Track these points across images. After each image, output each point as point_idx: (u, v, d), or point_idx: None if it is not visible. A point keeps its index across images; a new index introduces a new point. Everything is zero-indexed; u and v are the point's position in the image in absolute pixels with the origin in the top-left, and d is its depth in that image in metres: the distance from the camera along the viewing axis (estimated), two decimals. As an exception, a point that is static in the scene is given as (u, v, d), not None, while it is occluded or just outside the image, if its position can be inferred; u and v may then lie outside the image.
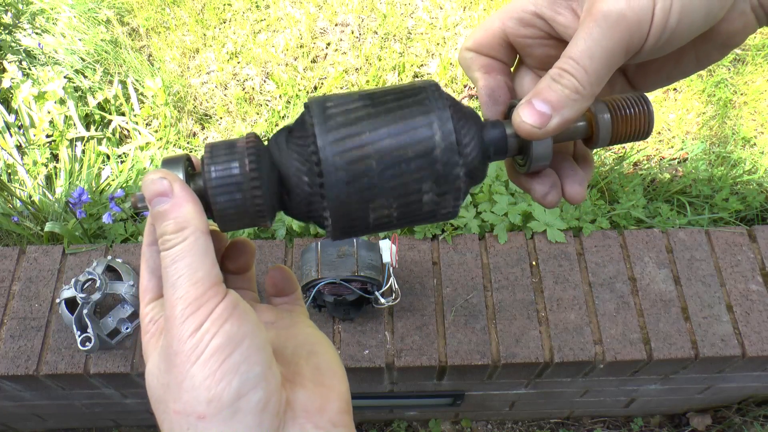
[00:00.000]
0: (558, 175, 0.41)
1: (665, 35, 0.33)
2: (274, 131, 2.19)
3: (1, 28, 2.28)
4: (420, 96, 0.36)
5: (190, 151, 2.09)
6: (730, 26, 0.36)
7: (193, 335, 0.31)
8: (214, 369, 0.31)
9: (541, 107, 0.35)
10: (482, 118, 0.41)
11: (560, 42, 0.39)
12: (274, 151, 0.37)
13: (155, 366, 0.34)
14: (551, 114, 0.35)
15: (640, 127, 0.39)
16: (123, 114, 2.16)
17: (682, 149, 2.04)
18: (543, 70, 0.41)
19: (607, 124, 0.39)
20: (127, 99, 2.17)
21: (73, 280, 1.24)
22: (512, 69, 0.44)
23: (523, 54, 0.42)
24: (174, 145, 2.11)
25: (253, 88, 2.24)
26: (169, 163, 0.36)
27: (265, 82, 2.24)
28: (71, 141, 2.02)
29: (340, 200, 0.35)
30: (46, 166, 1.96)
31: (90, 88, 2.17)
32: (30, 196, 1.79)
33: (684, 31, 0.34)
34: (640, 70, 0.42)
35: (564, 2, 0.37)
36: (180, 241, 0.33)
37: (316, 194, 0.35)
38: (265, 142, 0.38)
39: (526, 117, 0.36)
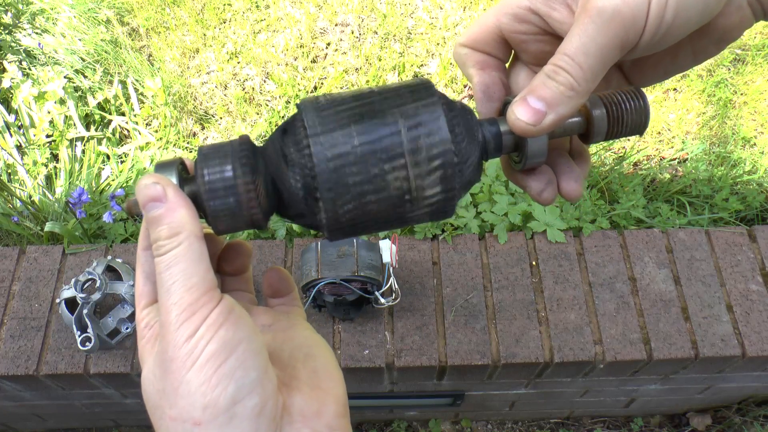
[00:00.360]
0: (554, 171, 0.41)
1: (661, 31, 0.33)
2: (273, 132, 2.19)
3: (1, 28, 2.28)
4: (414, 95, 0.36)
5: (190, 152, 2.09)
6: (727, 21, 0.36)
7: (188, 341, 0.31)
8: (209, 375, 0.31)
9: (535, 104, 0.35)
10: (477, 115, 0.41)
11: (555, 38, 0.39)
12: (267, 153, 0.37)
13: (151, 372, 0.34)
14: (546, 111, 0.35)
15: (635, 122, 0.39)
16: (123, 114, 2.16)
17: (682, 149, 2.04)
18: (538, 66, 0.41)
19: (602, 120, 0.39)
20: (127, 99, 2.17)
21: (73, 280, 1.24)
22: (507, 65, 0.44)
23: (518, 50, 0.42)
24: (174, 145, 2.11)
25: (253, 88, 2.24)
26: (162, 167, 0.36)
27: (265, 82, 2.24)
28: (71, 141, 2.02)
29: (335, 201, 0.35)
30: (46, 166, 1.97)
31: (90, 88, 2.17)
32: (30, 196, 1.79)
33: (680, 27, 0.33)
34: (636, 65, 0.42)
35: None
36: (174, 247, 0.33)
37: (310, 195, 0.35)
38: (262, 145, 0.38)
39: (521, 114, 0.35)
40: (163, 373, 0.32)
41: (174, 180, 0.35)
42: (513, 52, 0.43)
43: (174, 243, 0.33)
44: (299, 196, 0.36)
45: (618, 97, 0.39)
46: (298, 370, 0.38)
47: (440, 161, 0.35)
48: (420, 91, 0.36)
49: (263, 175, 0.36)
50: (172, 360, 0.32)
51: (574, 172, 0.41)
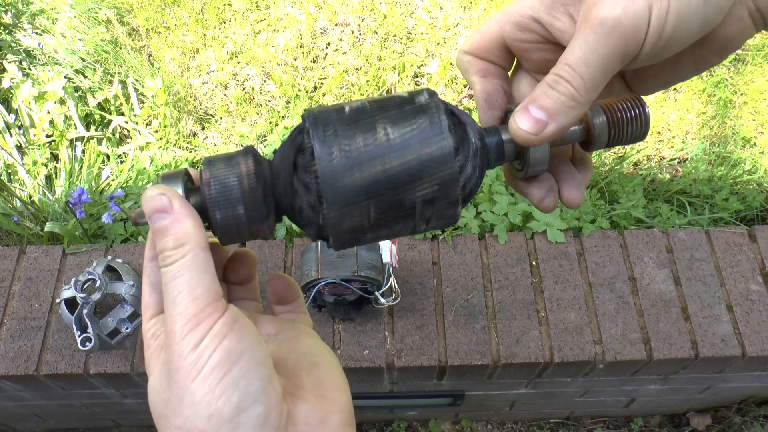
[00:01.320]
0: (555, 179, 0.41)
1: (661, 42, 0.33)
2: (274, 132, 2.15)
3: (1, 28, 2.28)
4: (416, 104, 0.36)
5: (190, 152, 2.09)
6: (728, 31, 0.36)
7: (193, 351, 0.32)
8: (213, 385, 0.31)
9: (537, 114, 0.35)
10: (479, 122, 0.41)
11: (558, 46, 0.39)
12: (273, 165, 0.37)
13: (157, 381, 0.34)
14: (547, 121, 0.35)
15: (636, 130, 0.39)
16: (123, 114, 2.16)
17: (682, 149, 2.04)
18: (541, 74, 0.41)
19: (603, 128, 0.39)
20: (127, 99, 2.17)
21: (73, 280, 1.24)
22: (510, 73, 0.44)
23: (520, 58, 0.42)
24: (174, 145, 2.11)
25: (253, 88, 2.24)
26: (167, 178, 0.36)
27: (265, 82, 2.24)
28: (71, 141, 2.02)
29: (339, 208, 0.35)
30: (46, 166, 1.97)
31: (90, 88, 2.17)
32: (30, 196, 1.79)
33: (680, 38, 0.33)
34: (638, 74, 0.42)
35: (561, 7, 0.37)
36: (179, 257, 0.33)
37: (315, 204, 0.35)
38: (262, 145, 0.38)
39: (523, 124, 0.36)
40: (169, 383, 0.32)
41: (180, 191, 0.35)
42: (515, 60, 0.43)
43: (179, 254, 0.33)
44: (304, 208, 0.36)
45: (619, 105, 0.39)
46: (303, 379, 0.38)
47: (444, 174, 0.35)
48: (424, 103, 0.36)
49: (268, 186, 0.36)
50: (177, 370, 0.32)
51: (575, 179, 0.41)
